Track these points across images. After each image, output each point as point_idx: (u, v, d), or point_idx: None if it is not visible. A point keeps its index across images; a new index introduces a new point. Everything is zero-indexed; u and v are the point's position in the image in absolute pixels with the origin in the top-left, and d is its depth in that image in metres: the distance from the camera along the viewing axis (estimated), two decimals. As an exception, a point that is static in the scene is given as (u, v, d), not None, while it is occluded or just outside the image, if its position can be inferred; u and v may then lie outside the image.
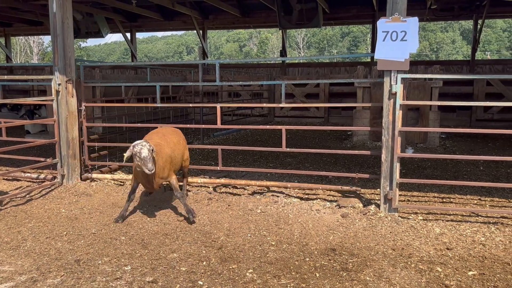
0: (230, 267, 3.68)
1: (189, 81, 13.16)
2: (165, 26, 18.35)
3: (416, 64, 13.46)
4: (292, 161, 7.96)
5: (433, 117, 9.20)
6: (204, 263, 3.77)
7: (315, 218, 4.89)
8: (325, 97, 14.30)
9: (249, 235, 4.41)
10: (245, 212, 5.12)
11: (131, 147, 4.41)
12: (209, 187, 6.05)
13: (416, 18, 4.53)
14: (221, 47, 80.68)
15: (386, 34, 4.64)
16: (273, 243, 4.19)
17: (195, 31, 16.98)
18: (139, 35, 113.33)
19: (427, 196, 5.75)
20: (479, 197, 5.68)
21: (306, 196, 5.70)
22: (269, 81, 7.59)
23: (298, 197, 5.66)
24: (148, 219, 4.88)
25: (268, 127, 5.59)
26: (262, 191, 5.89)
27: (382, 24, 4.63)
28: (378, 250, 4.00)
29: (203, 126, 6.13)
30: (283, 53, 16.13)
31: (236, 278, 3.49)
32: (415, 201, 5.57)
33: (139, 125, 6.77)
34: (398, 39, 4.60)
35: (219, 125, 5.25)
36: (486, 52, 64.79)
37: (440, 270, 3.60)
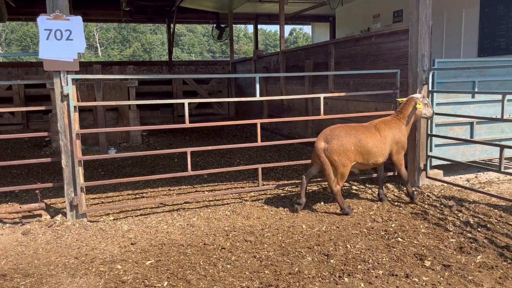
0: None
1: None
2: None
3: (112, 64, 13.58)
4: (-30, 179, 6.68)
5: (133, 116, 9.47)
6: None
7: (-13, 244, 4.19)
8: (20, 101, 12.72)
9: None
10: None
11: (420, 99, 4.69)
12: None
13: (79, 17, 4.42)
14: None
15: (50, 32, 4.36)
16: None
17: None
18: None
19: (122, 195, 5.83)
20: (168, 187, 6.15)
21: (-19, 219, 4.85)
22: None
23: (-31, 222, 4.75)
24: None
25: None
26: None
27: (43, 21, 4.32)
28: (59, 263, 3.75)
29: None
30: (-41, 50, 13.37)
31: None
32: (109, 202, 5.55)
33: None
34: (63, 38, 4.40)
35: None
36: (192, 54, 72.50)
37: (120, 267, 3.65)
